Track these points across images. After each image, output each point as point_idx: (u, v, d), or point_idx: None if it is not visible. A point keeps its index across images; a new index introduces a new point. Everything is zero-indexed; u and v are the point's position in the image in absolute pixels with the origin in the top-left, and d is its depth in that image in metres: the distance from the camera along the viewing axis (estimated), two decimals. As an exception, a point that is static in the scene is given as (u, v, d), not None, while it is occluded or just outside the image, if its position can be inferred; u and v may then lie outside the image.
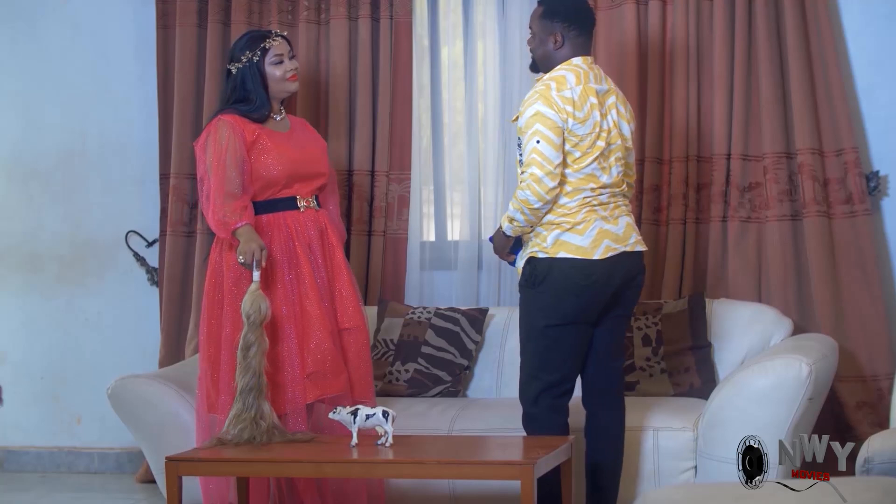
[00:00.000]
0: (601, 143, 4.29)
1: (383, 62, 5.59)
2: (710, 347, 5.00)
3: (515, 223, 4.31)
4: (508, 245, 4.43)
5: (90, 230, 6.10)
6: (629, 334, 5.02)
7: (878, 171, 5.24)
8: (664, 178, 5.34)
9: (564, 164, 4.24)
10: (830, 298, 5.12)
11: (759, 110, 5.22)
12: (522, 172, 4.25)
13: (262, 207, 4.64)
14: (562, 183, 4.25)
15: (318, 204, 4.77)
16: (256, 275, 4.46)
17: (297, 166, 4.68)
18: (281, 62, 4.69)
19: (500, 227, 4.41)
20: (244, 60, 4.67)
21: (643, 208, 5.32)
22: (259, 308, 4.40)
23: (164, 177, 5.83)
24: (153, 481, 5.46)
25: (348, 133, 5.62)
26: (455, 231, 5.75)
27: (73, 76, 6.11)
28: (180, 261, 5.79)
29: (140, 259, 6.04)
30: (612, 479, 4.41)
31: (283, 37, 4.75)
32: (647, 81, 5.34)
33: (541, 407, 4.32)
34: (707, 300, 5.11)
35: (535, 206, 4.22)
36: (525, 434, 4.39)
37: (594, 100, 4.29)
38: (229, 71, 4.71)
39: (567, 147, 4.25)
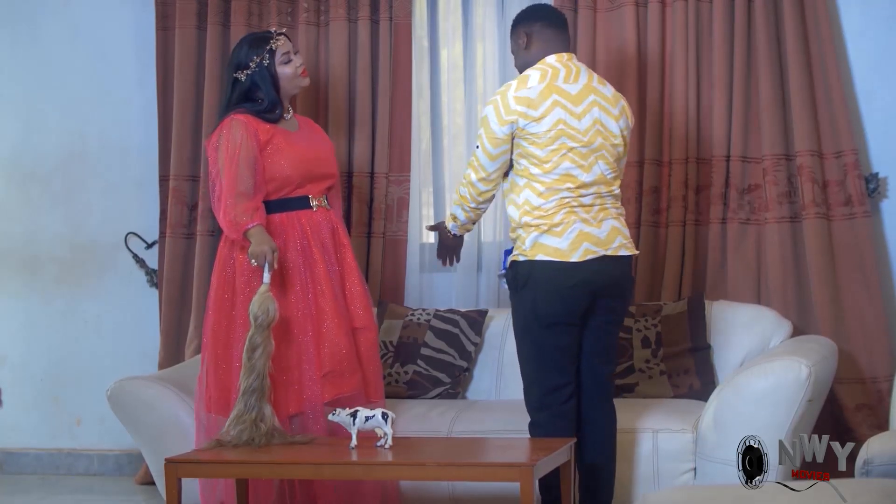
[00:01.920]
0: (568, 142, 4.25)
1: (383, 64, 5.59)
2: (710, 349, 5.00)
3: (457, 220, 4.50)
4: (458, 246, 4.64)
5: (90, 232, 6.10)
6: (628, 336, 5.02)
7: (877, 174, 5.24)
8: (664, 179, 5.33)
9: (531, 163, 4.26)
10: (830, 300, 5.12)
11: (759, 112, 5.22)
12: (466, 168, 4.42)
13: (275, 206, 4.63)
14: (531, 183, 4.25)
15: (329, 204, 4.77)
16: (267, 276, 4.45)
17: (310, 166, 4.67)
18: (290, 60, 4.69)
19: (444, 224, 4.61)
20: (253, 66, 4.64)
21: (643, 210, 5.32)
22: (267, 310, 4.39)
23: (163, 179, 5.83)
24: (153, 483, 5.46)
25: (347, 135, 5.63)
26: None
27: (73, 78, 6.11)
28: (180, 263, 5.78)
29: (139, 261, 6.04)
30: (606, 481, 4.40)
31: (283, 34, 4.74)
32: (646, 83, 5.34)
33: (546, 414, 4.29)
34: (706, 302, 5.11)
35: (472, 205, 4.44)
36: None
37: (558, 97, 4.27)
38: (236, 79, 4.67)
39: (525, 145, 4.27)
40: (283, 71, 4.67)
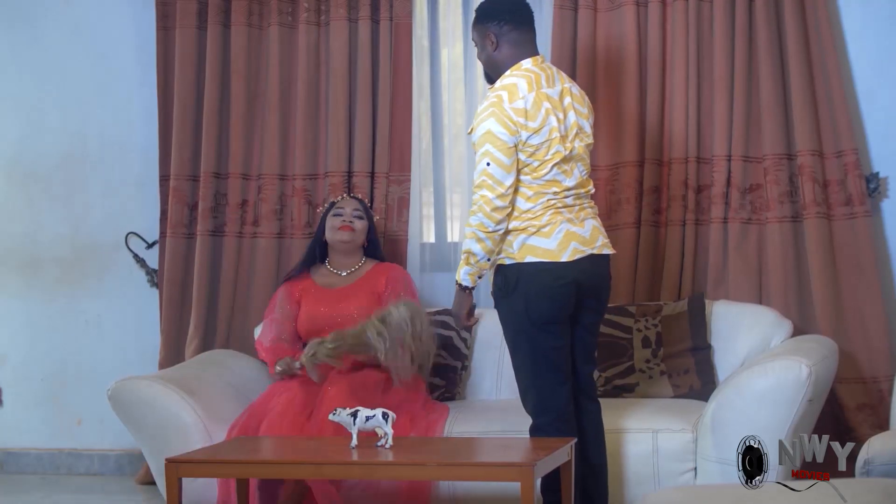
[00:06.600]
0: (560, 149, 4.21)
1: (383, 64, 5.59)
2: (710, 349, 5.00)
3: (473, 259, 4.19)
4: (468, 304, 4.34)
5: (90, 232, 6.11)
6: (628, 336, 5.02)
7: (877, 173, 5.24)
8: (664, 179, 5.33)
9: (523, 173, 4.18)
10: (830, 300, 5.12)
11: (760, 112, 5.22)
12: (474, 193, 4.18)
13: None
14: (519, 189, 4.19)
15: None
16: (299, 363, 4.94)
17: (313, 323, 5.07)
18: (339, 215, 5.18)
19: (457, 284, 4.28)
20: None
21: (643, 210, 5.32)
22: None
23: (164, 178, 5.83)
24: (153, 483, 5.46)
25: (348, 134, 5.62)
26: (455, 233, 5.75)
27: (74, 78, 6.11)
28: (180, 262, 5.78)
29: (140, 261, 6.04)
30: (603, 482, 4.39)
31: (356, 198, 5.28)
32: (646, 83, 5.33)
33: (549, 417, 4.26)
34: (707, 302, 5.11)
35: (491, 229, 4.15)
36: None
37: (548, 105, 4.21)
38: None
39: (523, 158, 4.17)
40: (331, 222, 5.20)
